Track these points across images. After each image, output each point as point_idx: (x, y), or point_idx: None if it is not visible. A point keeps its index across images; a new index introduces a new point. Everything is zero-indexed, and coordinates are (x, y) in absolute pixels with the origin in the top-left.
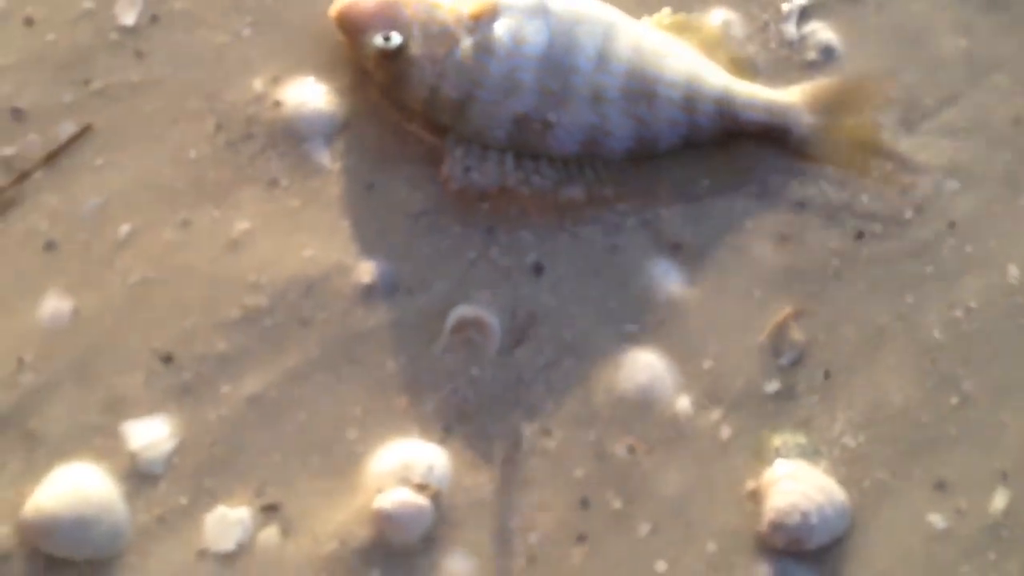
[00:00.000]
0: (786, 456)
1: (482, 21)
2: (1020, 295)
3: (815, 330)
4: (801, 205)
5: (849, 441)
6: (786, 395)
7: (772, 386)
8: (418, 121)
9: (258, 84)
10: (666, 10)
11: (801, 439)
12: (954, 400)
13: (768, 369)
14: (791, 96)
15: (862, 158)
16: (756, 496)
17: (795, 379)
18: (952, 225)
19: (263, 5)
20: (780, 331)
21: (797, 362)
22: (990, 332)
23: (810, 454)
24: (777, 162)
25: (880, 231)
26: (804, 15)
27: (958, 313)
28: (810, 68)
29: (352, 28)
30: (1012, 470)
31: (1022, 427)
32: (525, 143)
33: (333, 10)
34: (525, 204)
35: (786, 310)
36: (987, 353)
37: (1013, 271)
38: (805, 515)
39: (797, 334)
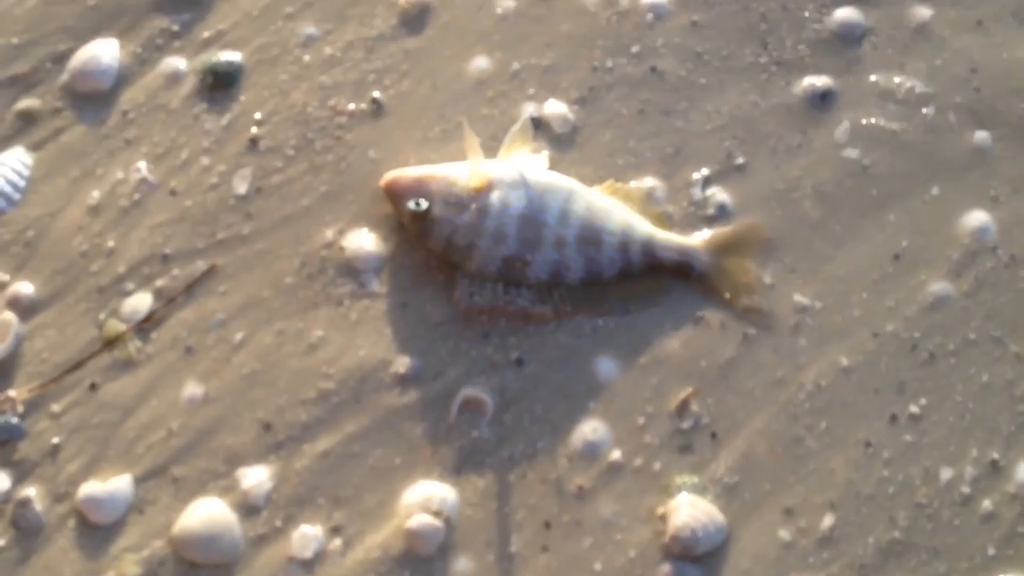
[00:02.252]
0: (684, 490)
1: (482, 192)
2: (845, 376)
3: (708, 404)
4: (700, 318)
5: (728, 480)
6: (686, 449)
7: (676, 442)
8: (438, 260)
9: (329, 234)
10: (610, 180)
11: (695, 479)
12: (800, 452)
13: (674, 431)
14: (695, 241)
15: (739, 289)
16: (664, 518)
17: (692, 438)
18: (802, 331)
19: (333, 179)
20: (684, 405)
21: (695, 426)
22: (827, 404)
23: (700, 489)
24: (685, 289)
25: (755, 335)
26: (707, 183)
27: (805, 391)
28: (710, 220)
29: (395, 195)
30: (837, 501)
31: (845, 472)
32: (510, 275)
33: (382, 182)
34: (511, 318)
35: (688, 390)
36: (824, 419)
37: (843, 360)
38: (694, 531)
39: (695, 407)
